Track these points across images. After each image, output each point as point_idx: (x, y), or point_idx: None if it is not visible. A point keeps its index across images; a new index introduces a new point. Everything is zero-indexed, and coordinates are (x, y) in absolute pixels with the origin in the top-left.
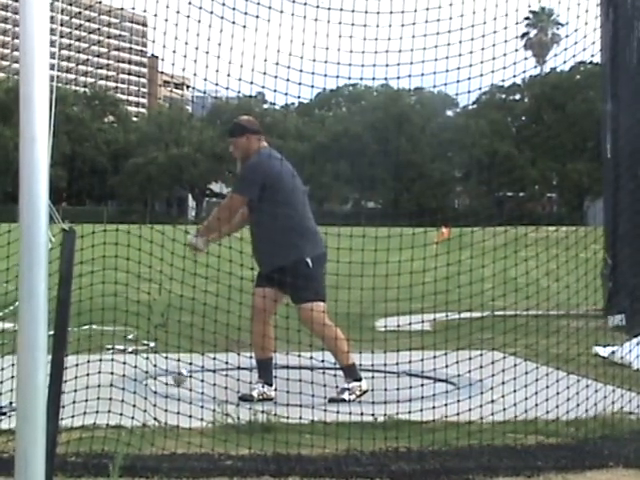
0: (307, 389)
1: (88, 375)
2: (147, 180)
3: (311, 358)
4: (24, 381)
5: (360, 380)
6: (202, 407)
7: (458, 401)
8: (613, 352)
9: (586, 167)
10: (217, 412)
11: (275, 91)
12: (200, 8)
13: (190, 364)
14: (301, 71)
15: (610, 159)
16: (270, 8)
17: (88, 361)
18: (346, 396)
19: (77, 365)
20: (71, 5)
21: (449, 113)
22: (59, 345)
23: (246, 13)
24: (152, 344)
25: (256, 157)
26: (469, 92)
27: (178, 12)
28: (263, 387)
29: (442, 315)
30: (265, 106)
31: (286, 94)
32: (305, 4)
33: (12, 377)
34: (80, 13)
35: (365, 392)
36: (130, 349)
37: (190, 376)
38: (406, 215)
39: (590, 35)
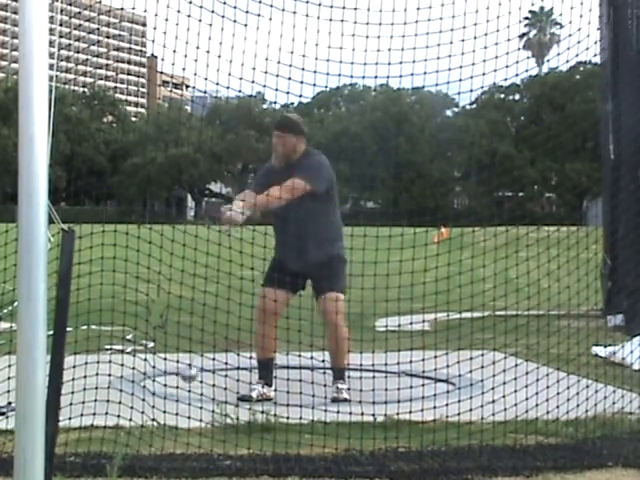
0: (307, 389)
1: (85, 377)
2: (146, 180)
3: (311, 358)
4: (23, 381)
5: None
6: (201, 408)
7: (459, 401)
8: (613, 352)
9: (585, 167)
10: (216, 412)
11: (276, 90)
12: (201, 7)
13: (189, 365)
14: (303, 69)
15: (610, 159)
16: (272, 6)
17: (86, 362)
18: (347, 395)
19: (74, 367)
20: (70, 5)
21: (448, 113)
22: (58, 345)
23: (247, 11)
24: (151, 344)
25: (318, 156)
26: (471, 91)
27: (179, 11)
28: (263, 388)
29: (443, 315)
30: (264, 106)
31: (287, 93)
32: (307, 2)
33: (9, 378)
34: (80, 13)
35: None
36: (129, 349)
37: (190, 377)
38: (405, 215)
39: (590, 35)
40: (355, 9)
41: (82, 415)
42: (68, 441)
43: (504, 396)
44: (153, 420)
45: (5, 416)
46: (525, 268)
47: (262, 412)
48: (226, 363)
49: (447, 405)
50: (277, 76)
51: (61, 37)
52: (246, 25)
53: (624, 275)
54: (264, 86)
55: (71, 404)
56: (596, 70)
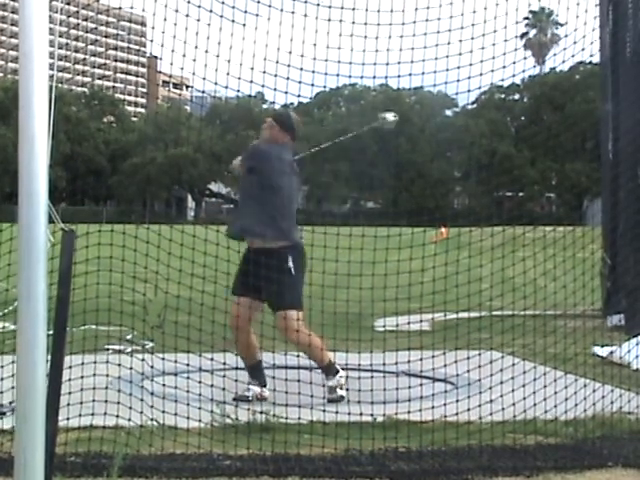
0: (306, 389)
1: (83, 377)
2: (146, 180)
3: (310, 358)
4: (23, 381)
5: (339, 371)
6: (200, 408)
7: (457, 401)
8: (612, 352)
9: (585, 167)
10: (215, 413)
11: (275, 90)
12: (199, 7)
13: (187, 365)
14: (301, 69)
15: (610, 159)
16: (270, 6)
17: (82, 363)
18: (342, 393)
19: (71, 367)
20: (69, 4)
21: (448, 113)
22: (58, 345)
23: (246, 11)
24: (149, 344)
25: (269, 147)
26: (469, 91)
27: (177, 11)
28: (257, 388)
29: (440, 315)
30: (264, 106)
31: (286, 93)
32: (305, 2)
33: (1, 379)
34: (79, 12)
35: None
36: (128, 349)
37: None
38: (405, 215)
39: (590, 35)
40: (353, 9)
41: (81, 415)
42: (68, 441)
43: (502, 396)
44: (152, 420)
45: (5, 416)
46: (522, 268)
47: (261, 412)
48: (224, 363)
49: (445, 405)
50: (276, 76)
51: (61, 36)
52: (245, 25)
53: (623, 274)
54: (263, 86)
55: (69, 404)
56: (596, 70)
